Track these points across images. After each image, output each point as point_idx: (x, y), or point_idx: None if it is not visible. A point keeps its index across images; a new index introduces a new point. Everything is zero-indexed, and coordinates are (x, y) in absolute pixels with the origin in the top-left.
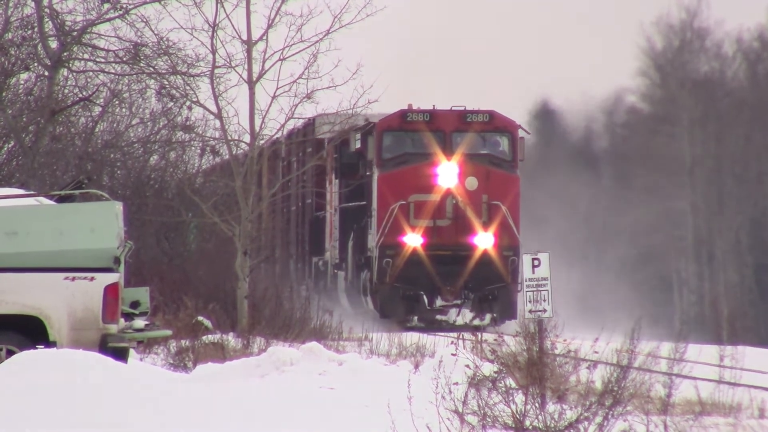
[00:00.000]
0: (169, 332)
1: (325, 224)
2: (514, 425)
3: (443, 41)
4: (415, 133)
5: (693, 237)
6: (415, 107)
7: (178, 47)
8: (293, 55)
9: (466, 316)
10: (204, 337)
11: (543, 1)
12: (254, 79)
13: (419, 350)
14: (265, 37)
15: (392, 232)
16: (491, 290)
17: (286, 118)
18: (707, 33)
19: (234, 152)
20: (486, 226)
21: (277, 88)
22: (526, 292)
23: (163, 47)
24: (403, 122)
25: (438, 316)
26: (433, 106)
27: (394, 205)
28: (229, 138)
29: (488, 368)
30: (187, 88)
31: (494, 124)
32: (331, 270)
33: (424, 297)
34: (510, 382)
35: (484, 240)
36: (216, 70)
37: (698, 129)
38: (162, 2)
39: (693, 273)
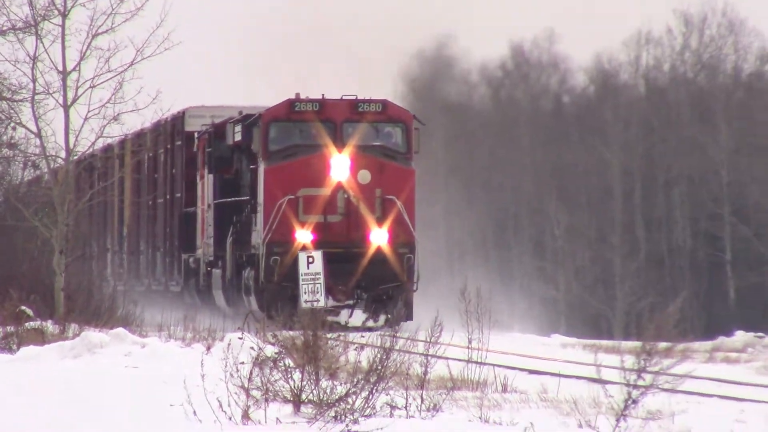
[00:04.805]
0: None
1: (197, 220)
2: (292, 399)
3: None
4: (303, 123)
5: (445, 238)
6: (303, 96)
7: (3, 77)
8: (102, 83)
9: (358, 317)
10: (26, 324)
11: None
12: (69, 103)
13: (211, 334)
14: (78, 68)
15: (280, 229)
16: (386, 290)
17: (96, 137)
18: (456, 62)
19: (52, 166)
20: (380, 221)
21: (89, 112)
22: (302, 284)
23: None
24: (291, 112)
25: (329, 318)
26: (323, 95)
27: (282, 199)
28: (48, 154)
29: (270, 350)
30: (11, 111)
31: (387, 114)
32: (204, 267)
33: None
34: (289, 362)
35: (377, 237)
36: (36, 96)
37: (452, 146)
38: None
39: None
